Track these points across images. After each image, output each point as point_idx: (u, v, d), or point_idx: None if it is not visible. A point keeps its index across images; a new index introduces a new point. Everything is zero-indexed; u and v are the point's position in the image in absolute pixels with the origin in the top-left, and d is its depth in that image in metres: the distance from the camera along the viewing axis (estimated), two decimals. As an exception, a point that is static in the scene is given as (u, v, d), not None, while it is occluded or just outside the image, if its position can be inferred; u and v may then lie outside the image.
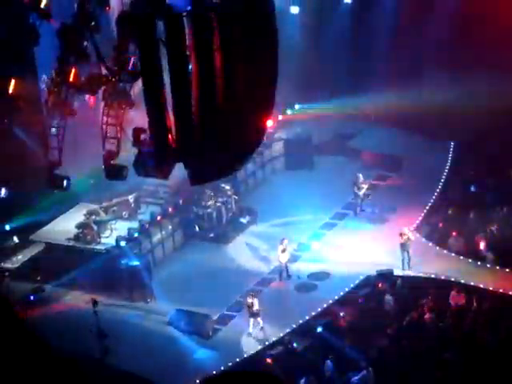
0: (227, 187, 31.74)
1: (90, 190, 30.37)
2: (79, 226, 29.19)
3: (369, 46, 36.90)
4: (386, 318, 25.54)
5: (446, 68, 34.54)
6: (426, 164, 33.59)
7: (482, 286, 26.12)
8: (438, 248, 28.59)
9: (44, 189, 23.87)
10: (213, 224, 31.36)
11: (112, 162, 19.81)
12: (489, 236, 28.45)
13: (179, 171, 17.12)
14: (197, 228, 31.34)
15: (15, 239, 29.67)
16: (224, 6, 15.29)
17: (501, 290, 25.81)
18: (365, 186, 31.69)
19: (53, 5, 19.59)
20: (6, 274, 28.72)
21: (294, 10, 36.54)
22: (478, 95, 32.07)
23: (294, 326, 25.63)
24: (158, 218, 30.34)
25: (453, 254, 28.03)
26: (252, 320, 25.51)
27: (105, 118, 19.64)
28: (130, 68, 18.08)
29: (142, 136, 17.79)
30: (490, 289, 25.88)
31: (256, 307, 25.46)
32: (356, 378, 22.49)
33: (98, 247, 28.72)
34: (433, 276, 27.03)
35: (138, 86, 18.56)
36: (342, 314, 25.80)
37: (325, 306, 26.42)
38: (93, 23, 18.52)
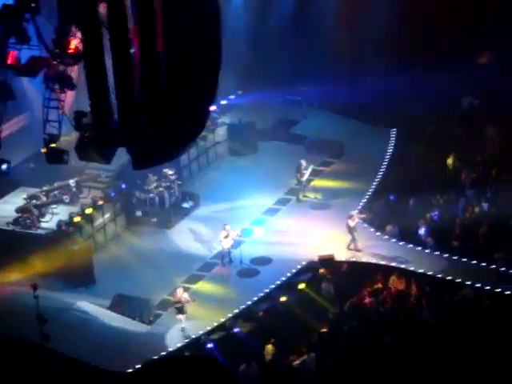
0: (170, 172, 31.64)
1: (30, 174, 30.02)
2: (19, 210, 28.88)
3: (314, 32, 37.08)
4: (326, 303, 25.79)
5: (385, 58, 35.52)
6: (368, 150, 33.94)
7: (421, 270, 26.51)
8: (378, 233, 28.92)
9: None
10: (155, 209, 31.26)
11: (53, 145, 19.57)
12: (429, 222, 28.90)
13: (122, 155, 17.01)
14: (139, 213, 31.21)
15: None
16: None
17: (439, 275, 26.24)
18: (307, 172, 31.88)
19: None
20: None
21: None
22: (414, 85, 32.89)
23: (236, 311, 25.72)
24: (100, 202, 30.13)
25: (393, 240, 28.38)
26: (180, 316, 25.31)
27: (46, 101, 19.37)
28: (71, 51, 17.85)
29: (84, 120, 17.61)
30: (430, 273, 26.30)
31: (184, 301, 25.13)
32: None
33: (38, 232, 28.44)
34: (373, 261, 27.35)
35: (80, 69, 18.35)
36: (283, 299, 25.97)
37: (266, 291, 26.56)
38: (33, 4, 18.21)
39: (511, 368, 21.39)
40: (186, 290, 26.02)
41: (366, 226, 29.12)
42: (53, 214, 29.28)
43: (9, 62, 18.78)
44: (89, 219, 29.47)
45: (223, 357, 22.75)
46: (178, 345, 24.47)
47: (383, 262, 27.15)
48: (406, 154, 33.40)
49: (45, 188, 30.01)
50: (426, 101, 34.79)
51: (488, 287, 25.33)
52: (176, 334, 25.15)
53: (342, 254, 27.74)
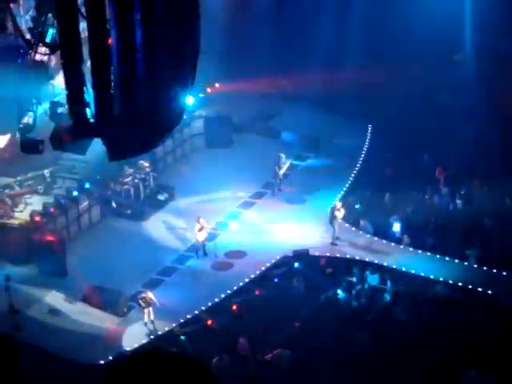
0: (146, 164, 31.53)
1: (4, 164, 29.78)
2: (-8, 199, 28.68)
3: (292, 25, 37.06)
4: (300, 298, 25.84)
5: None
6: (345, 145, 34.00)
7: (395, 266, 26.62)
8: (353, 229, 28.99)
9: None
10: (130, 200, 31.13)
11: (28, 135, 19.41)
12: (404, 218, 29.00)
13: (97, 146, 16.90)
14: (114, 204, 31.06)
15: None
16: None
17: (413, 271, 26.36)
18: (284, 167, 31.88)
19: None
20: None
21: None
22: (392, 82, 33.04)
23: (210, 304, 25.69)
24: (74, 193, 29.94)
25: (368, 236, 28.46)
26: (146, 311, 25.24)
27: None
28: (48, 40, 17.70)
29: (60, 109, 17.48)
30: (403, 269, 26.40)
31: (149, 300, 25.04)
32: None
33: (12, 221, 28.23)
34: (348, 256, 27.42)
35: (56, 59, 18.20)
36: (257, 293, 25.97)
37: (241, 284, 26.55)
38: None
39: (482, 365, 21.53)
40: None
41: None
42: (26, 203, 29.07)
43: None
44: (63, 210, 29.28)
45: (196, 349, 22.71)
46: (152, 337, 24.41)
47: (357, 257, 27.23)
48: (383, 149, 33.46)
49: (19, 178, 29.78)
50: (403, 96, 34.77)
51: (461, 284, 25.53)
52: (148, 326, 25.09)
53: (316, 249, 27.78)
